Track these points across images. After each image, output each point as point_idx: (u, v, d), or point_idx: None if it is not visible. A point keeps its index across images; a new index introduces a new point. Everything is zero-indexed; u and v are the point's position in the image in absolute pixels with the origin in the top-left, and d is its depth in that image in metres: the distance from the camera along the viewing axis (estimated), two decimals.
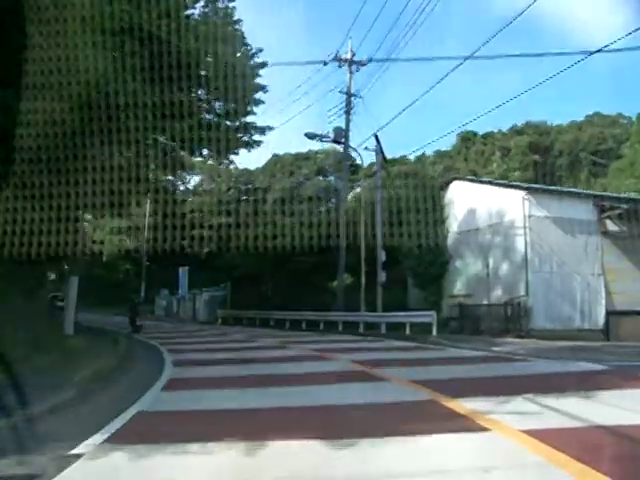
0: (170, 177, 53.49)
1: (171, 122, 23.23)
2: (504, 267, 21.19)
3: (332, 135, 27.08)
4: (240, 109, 25.16)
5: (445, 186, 25.12)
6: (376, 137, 26.48)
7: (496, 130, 62.58)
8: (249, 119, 25.32)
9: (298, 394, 7.92)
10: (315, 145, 60.20)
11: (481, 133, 61.86)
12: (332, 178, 66.96)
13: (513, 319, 19.61)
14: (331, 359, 12.84)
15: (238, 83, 23.80)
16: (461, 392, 7.43)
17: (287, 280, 33.06)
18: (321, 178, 65.56)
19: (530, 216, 19.88)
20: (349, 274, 33.01)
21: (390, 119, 24.42)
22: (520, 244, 20.26)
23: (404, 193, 25.29)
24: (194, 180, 70.90)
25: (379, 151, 25.96)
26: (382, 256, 23.75)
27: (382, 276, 23.66)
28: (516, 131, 64.17)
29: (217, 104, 25.76)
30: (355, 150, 26.77)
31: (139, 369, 11.15)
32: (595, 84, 72.55)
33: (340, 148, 28.03)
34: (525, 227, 19.95)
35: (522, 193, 20.32)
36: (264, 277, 35.44)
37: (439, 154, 62.77)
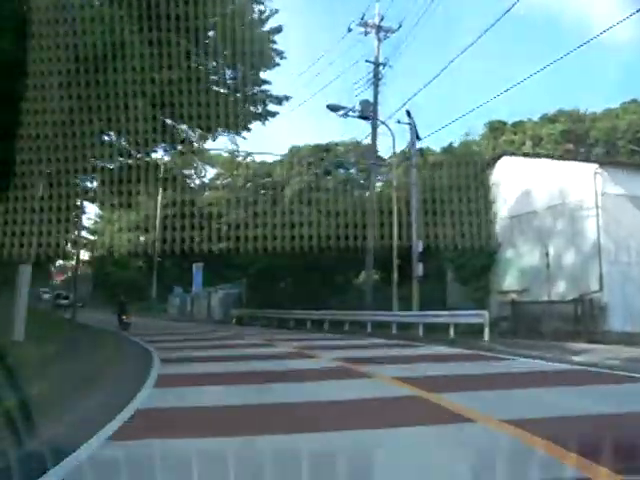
0: (180, 163, 50.46)
1: (178, 95, 20.28)
2: (569, 257, 17.64)
3: (358, 108, 23.67)
4: (251, 77, 21.97)
5: (492, 164, 21.60)
6: (408, 113, 23.10)
7: (526, 119, 59.20)
8: (263, 88, 22.19)
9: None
10: (338, 122, 57.01)
11: (511, 122, 58.61)
12: (353, 171, 63.81)
13: (584, 319, 16.04)
14: (368, 376, 9.51)
15: (250, 47, 20.67)
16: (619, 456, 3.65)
17: (308, 276, 29.75)
18: (342, 171, 62.46)
19: (603, 194, 16.31)
20: (375, 269, 29.64)
21: (423, 86, 20.71)
22: (590, 228, 16.72)
23: (443, 174, 21.86)
24: (210, 173, 68.59)
25: (412, 126, 22.52)
26: (419, 246, 20.31)
27: (419, 269, 20.21)
28: (548, 119, 60.35)
29: (228, 72, 22.60)
30: (385, 124, 23.34)
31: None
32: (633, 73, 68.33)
33: (367, 124, 24.56)
34: (597, 208, 16.38)
35: (593, 167, 16.74)
36: (283, 273, 32.16)
37: (467, 144, 59.31)
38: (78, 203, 33.59)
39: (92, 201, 35.49)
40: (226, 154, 66.82)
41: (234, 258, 51.44)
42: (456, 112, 21.47)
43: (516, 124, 59.20)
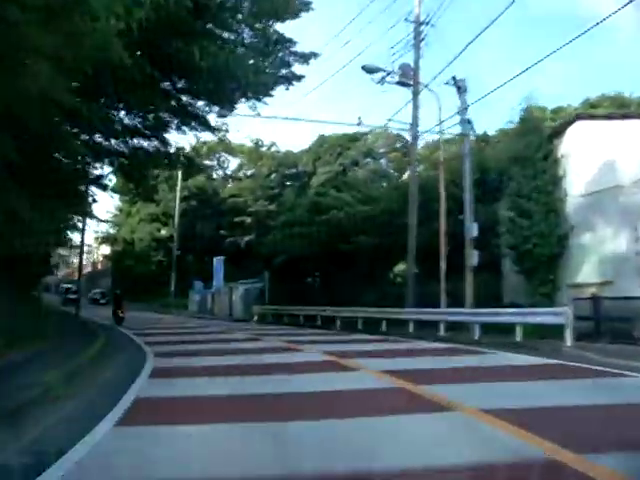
0: (199, 149, 47.30)
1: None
2: None
3: (398, 73, 20.28)
4: (274, 33, 18.71)
5: (561, 133, 17.98)
6: (454, 78, 19.66)
7: (566, 104, 54.99)
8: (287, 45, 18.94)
9: None
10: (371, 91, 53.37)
11: (550, 108, 54.53)
12: (383, 161, 60.25)
13: None
14: (447, 407, 6.14)
15: None
16: None
17: (337, 269, 26.41)
18: (371, 161, 59.01)
19: None
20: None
21: (467, 45, 17.24)
22: None
23: (501, 147, 18.34)
24: (232, 164, 65.63)
25: (463, 91, 19.09)
26: (473, 230, 16.87)
27: (473, 257, 16.77)
28: (590, 104, 56.04)
29: (247, 32, 19.36)
30: (428, 89, 19.84)
31: None
32: None
33: (408, 91, 21.05)
34: None
35: None
36: (309, 266, 28.87)
37: (504, 132, 55.28)
38: (83, 189, 30.69)
39: (104, 189, 32.48)
40: (250, 143, 64.44)
41: (257, 251, 48.71)
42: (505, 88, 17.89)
43: (556, 110, 55.06)
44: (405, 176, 39.53)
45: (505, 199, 19.53)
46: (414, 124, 20.55)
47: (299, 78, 19.40)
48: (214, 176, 61.75)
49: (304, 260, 27.65)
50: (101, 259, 67.78)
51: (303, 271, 29.41)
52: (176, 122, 25.49)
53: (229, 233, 57.08)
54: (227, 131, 30.25)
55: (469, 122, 19.41)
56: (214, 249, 52.10)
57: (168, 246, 53.72)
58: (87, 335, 16.80)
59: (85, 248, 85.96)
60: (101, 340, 14.95)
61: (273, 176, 62.08)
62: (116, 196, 58.41)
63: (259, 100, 19.20)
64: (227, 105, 23.49)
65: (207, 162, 60.71)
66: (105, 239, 61.08)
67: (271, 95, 19.14)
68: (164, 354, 12.36)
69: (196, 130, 27.27)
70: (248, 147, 61.35)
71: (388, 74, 20.20)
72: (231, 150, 61.52)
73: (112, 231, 60.76)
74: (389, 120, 19.75)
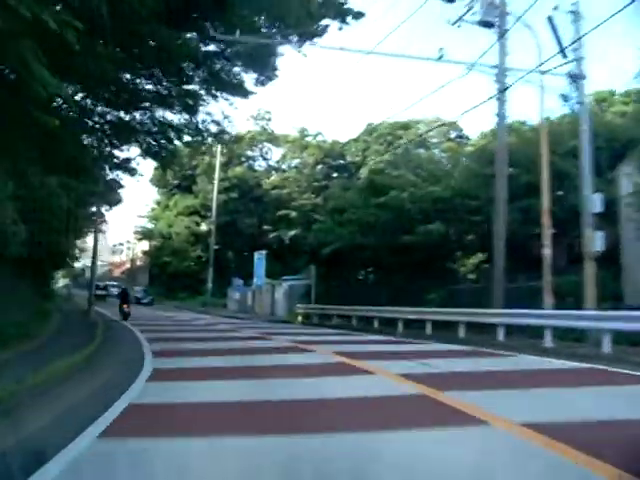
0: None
1: None
2: None
3: (482, 10, 15.88)
4: None
5: None
6: (549, 19, 15.19)
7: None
8: None
9: None
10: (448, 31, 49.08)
11: (620, 91, 48.78)
12: (436, 151, 55.43)
13: None
14: None
15: None
16: None
17: (396, 262, 22.04)
18: (423, 151, 54.35)
19: None
20: (483, 252, 21.80)
21: None
22: None
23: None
24: (275, 155, 61.79)
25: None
26: (595, 203, 12.37)
27: (597, 240, 12.26)
28: None
29: None
30: (526, 25, 15.34)
31: None
32: None
33: (494, 33, 16.57)
34: None
35: None
36: (362, 258, 24.57)
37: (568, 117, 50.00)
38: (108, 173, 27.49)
39: (131, 173, 28.90)
40: (295, 133, 60.47)
41: (302, 244, 44.88)
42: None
43: (628, 93, 49.24)
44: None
45: (632, 163, 14.91)
46: (500, 71, 16.10)
47: (357, 15, 15.21)
48: (256, 167, 58.12)
49: (356, 251, 23.40)
50: (140, 255, 65.12)
51: (355, 265, 25.16)
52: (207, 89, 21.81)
53: (272, 227, 53.41)
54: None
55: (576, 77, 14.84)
56: (256, 244, 48.62)
57: (207, 241, 50.41)
58: (83, 337, 13.13)
59: (124, 244, 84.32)
60: (92, 347, 11.18)
61: (319, 167, 58.12)
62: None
63: (308, 39, 15.14)
64: (266, 67, 19.73)
65: (249, 152, 57.27)
66: (142, 233, 58.25)
67: (319, 34, 15.05)
68: (168, 372, 8.43)
69: (231, 94, 23.46)
70: (292, 137, 57.53)
71: (467, 11, 15.82)
72: (275, 140, 57.86)
73: (150, 225, 57.91)
74: (472, 65, 15.26)
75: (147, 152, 25.93)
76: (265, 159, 59.58)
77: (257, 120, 57.08)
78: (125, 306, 23.63)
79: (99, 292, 44.27)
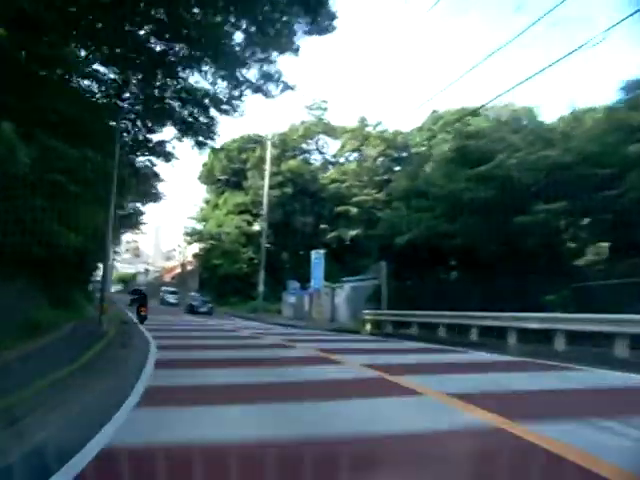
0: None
1: None
2: None
3: None
4: None
5: None
6: None
7: None
8: None
9: None
10: None
11: None
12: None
13: None
14: None
15: None
16: None
17: (499, 254, 16.68)
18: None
19: None
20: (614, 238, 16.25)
21: None
22: None
23: None
24: (331, 149, 56.91)
25: None
26: None
27: None
28: None
29: None
30: None
31: None
32: None
33: None
34: None
35: None
36: (449, 251, 19.28)
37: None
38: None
39: (166, 158, 25.17)
40: (354, 123, 55.37)
41: (364, 244, 39.95)
42: None
43: None
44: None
45: None
46: None
47: None
48: (311, 162, 53.55)
49: (440, 242, 18.25)
50: (190, 259, 61.69)
51: (436, 259, 19.83)
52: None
53: (329, 226, 48.69)
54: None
55: None
56: (312, 245, 44.10)
57: (259, 241, 46.20)
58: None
59: (176, 249, 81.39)
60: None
61: (380, 160, 53.04)
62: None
63: None
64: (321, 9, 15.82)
65: (304, 146, 52.78)
66: (190, 234, 54.57)
67: None
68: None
69: (278, 50, 19.31)
70: (351, 127, 52.66)
71: None
72: (331, 131, 53.13)
73: (199, 227, 54.23)
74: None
75: (183, 129, 21.82)
76: (321, 152, 54.95)
77: (312, 110, 52.62)
78: (143, 309, 23.39)
79: (135, 297, 41.50)
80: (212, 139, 21.27)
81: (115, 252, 54.03)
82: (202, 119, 20.62)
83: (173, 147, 23.49)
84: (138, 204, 39.64)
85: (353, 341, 16.44)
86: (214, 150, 28.57)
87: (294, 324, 27.66)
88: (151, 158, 24.86)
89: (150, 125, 22.98)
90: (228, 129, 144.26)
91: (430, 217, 18.20)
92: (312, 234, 47.95)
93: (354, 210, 48.35)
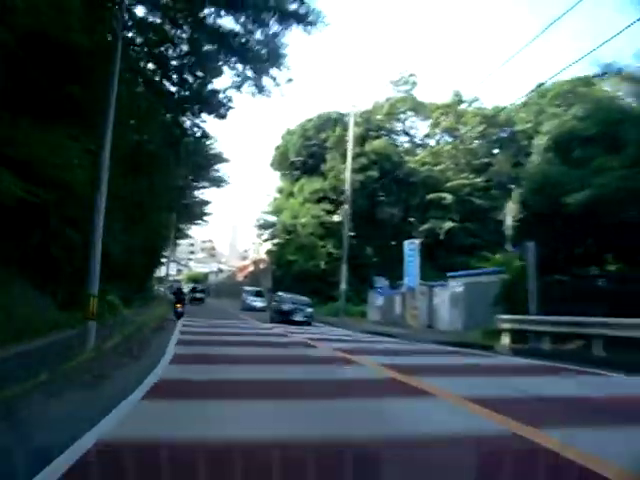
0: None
1: None
2: None
3: None
4: None
5: None
6: None
7: None
8: None
9: None
10: None
11: None
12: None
13: None
14: None
15: None
16: None
17: None
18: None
19: None
20: None
21: None
22: None
23: None
24: (421, 128, 49.82)
25: None
26: None
27: None
28: None
29: None
30: None
31: None
32: None
33: None
34: None
35: None
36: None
37: None
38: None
39: (220, 114, 19.78)
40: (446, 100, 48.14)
41: (459, 238, 33.45)
42: None
43: None
44: None
45: None
46: None
47: None
48: (398, 144, 46.94)
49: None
50: (263, 256, 56.62)
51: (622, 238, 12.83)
52: None
53: (419, 217, 41.95)
54: None
55: None
56: (399, 238, 37.64)
57: (340, 233, 40.17)
58: None
59: (250, 248, 76.93)
60: None
61: (477, 142, 45.75)
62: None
63: None
64: None
65: (388, 125, 46.23)
66: (262, 227, 49.28)
67: None
68: None
69: None
70: (443, 104, 45.63)
71: None
72: (420, 108, 46.28)
73: (272, 219, 48.85)
74: None
75: (242, 61, 16.03)
76: (407, 134, 48.18)
77: (398, 85, 46.06)
78: (179, 306, 22.99)
79: (197, 295, 43.69)
80: (279, 68, 15.52)
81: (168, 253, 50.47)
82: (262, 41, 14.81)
83: (228, 98, 17.85)
84: (202, 191, 34.93)
85: (494, 371, 9.82)
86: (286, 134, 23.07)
87: (389, 332, 21.28)
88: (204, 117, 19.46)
89: (202, 74, 17.49)
90: (303, 107, 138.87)
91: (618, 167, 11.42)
92: (399, 226, 41.50)
93: (449, 197, 41.40)
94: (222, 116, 18.30)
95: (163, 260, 57.25)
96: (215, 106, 17.86)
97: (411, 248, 28.26)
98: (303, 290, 41.13)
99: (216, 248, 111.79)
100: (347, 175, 32.51)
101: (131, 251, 26.89)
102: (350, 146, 34.09)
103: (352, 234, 31.47)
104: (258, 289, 42.74)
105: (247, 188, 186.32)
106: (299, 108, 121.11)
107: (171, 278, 72.42)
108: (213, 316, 27.25)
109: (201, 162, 26.21)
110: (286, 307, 27.71)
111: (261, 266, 57.25)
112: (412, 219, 42.88)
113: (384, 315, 30.48)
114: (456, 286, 23.63)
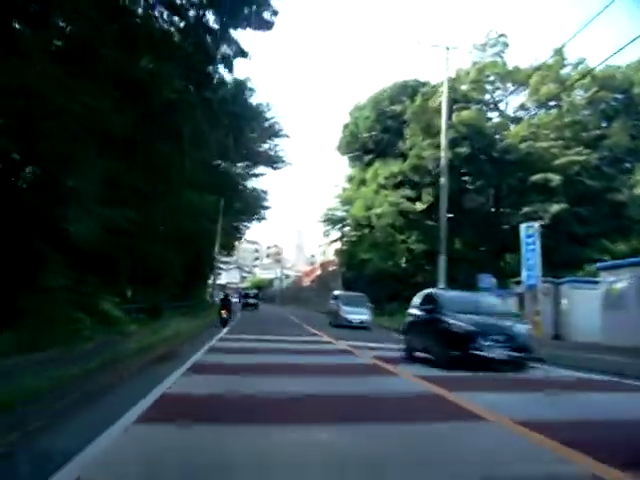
0: None
1: None
2: None
3: None
4: None
5: None
6: None
7: None
8: None
9: None
10: None
11: None
12: None
13: None
14: None
15: None
16: None
17: None
18: None
19: None
20: None
21: None
22: None
23: None
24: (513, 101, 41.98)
25: None
26: None
27: None
28: None
29: None
30: None
31: None
32: None
33: None
34: None
35: None
36: None
37: None
38: None
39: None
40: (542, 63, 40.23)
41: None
42: None
43: None
44: None
45: None
46: None
47: None
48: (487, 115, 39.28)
49: None
50: (332, 258, 50.26)
51: None
52: None
53: (516, 202, 34.26)
54: None
55: None
56: (493, 229, 30.36)
57: (424, 224, 32.99)
58: None
59: (317, 250, 70.82)
60: None
61: (586, 112, 37.53)
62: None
63: None
64: None
65: (475, 95, 38.63)
66: (331, 220, 42.73)
67: None
68: None
69: None
70: (543, 64, 37.63)
71: None
72: (513, 74, 38.50)
73: (340, 213, 42.26)
74: None
75: None
76: (497, 108, 40.39)
77: (485, 49, 38.52)
78: (224, 312, 22.13)
79: (250, 300, 42.50)
80: None
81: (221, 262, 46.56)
82: None
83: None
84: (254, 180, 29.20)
85: None
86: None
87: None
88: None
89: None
90: (376, 76, 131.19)
91: None
92: (491, 214, 34.16)
93: (556, 178, 33.49)
94: (267, 25, 11.91)
95: (222, 265, 51.95)
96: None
97: (530, 233, 20.97)
98: (379, 294, 34.19)
99: (282, 253, 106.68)
100: (442, 139, 24.73)
101: (162, 242, 21.08)
102: (444, 103, 25.88)
103: (450, 215, 24.11)
104: (358, 294, 28.63)
105: (312, 186, 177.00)
106: (369, 84, 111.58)
107: (233, 286, 67.44)
108: (267, 330, 20.39)
109: (247, 127, 19.98)
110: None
111: (329, 269, 50.77)
112: (507, 209, 35.38)
113: None
114: (616, 281, 16.25)
